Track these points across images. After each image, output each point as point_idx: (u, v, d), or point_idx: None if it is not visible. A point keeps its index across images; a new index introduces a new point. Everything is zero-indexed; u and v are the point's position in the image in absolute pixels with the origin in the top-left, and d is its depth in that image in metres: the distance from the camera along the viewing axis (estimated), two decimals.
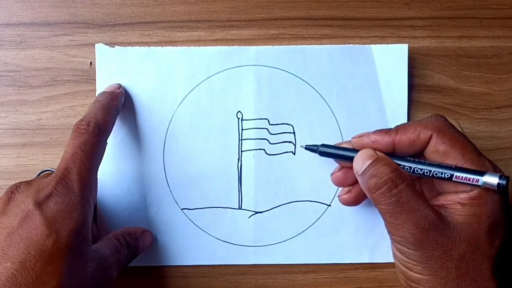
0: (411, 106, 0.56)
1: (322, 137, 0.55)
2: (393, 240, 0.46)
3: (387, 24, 0.56)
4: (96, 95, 0.53)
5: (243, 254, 0.55)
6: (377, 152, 0.47)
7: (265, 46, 0.55)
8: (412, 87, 0.56)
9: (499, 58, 0.57)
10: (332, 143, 0.52)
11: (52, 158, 0.55)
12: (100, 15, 0.56)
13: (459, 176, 0.44)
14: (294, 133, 0.55)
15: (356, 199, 0.52)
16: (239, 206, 0.55)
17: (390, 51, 0.55)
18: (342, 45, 0.55)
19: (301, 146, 0.54)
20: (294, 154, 0.55)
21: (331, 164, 0.54)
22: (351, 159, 0.48)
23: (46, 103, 0.55)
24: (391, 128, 0.48)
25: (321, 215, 0.55)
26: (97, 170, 0.48)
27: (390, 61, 0.55)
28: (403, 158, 0.47)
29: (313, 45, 0.55)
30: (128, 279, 0.55)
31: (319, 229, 0.55)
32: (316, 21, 0.56)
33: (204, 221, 0.55)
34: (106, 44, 0.55)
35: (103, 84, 0.54)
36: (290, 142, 0.55)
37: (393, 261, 0.48)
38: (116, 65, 0.55)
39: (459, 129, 0.55)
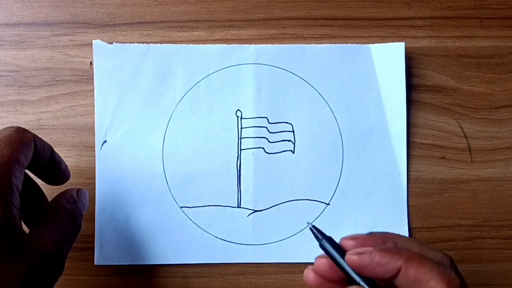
0: (411, 106, 0.56)
1: (321, 136, 0.55)
2: None
3: (387, 24, 0.57)
4: (96, 93, 0.54)
5: (242, 253, 0.55)
6: None
7: (264, 45, 0.55)
8: (412, 87, 0.56)
9: (499, 58, 0.57)
10: (331, 143, 0.52)
11: None
12: (100, 15, 0.56)
13: None
14: (293, 131, 0.55)
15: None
16: (238, 205, 0.55)
17: (387, 50, 0.55)
18: (341, 44, 0.55)
19: (307, 223, 0.43)
20: (293, 152, 0.55)
21: (331, 164, 0.54)
22: (349, 279, 0.40)
23: (46, 103, 0.55)
24: (399, 248, 0.39)
25: (320, 214, 0.55)
26: (26, 151, 0.42)
27: (388, 59, 0.55)
28: None
29: (312, 44, 0.55)
30: (128, 279, 0.55)
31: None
32: (316, 21, 0.56)
33: (203, 220, 0.55)
34: (104, 41, 0.55)
35: (101, 81, 0.54)
36: (289, 140, 0.55)
37: None
38: (114, 63, 0.55)
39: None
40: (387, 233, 0.42)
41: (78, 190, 0.47)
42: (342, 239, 0.41)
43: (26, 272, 0.39)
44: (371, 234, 0.41)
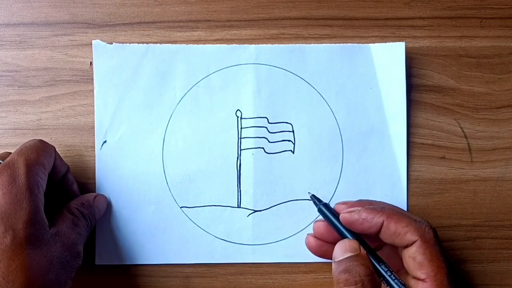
0: (411, 106, 0.56)
1: (321, 135, 0.55)
2: None
3: (387, 24, 0.56)
4: (96, 93, 0.54)
5: (242, 253, 0.55)
6: (361, 249, 0.47)
7: (264, 45, 0.55)
8: (412, 87, 0.56)
9: (499, 58, 0.57)
10: (331, 143, 0.52)
11: None
12: (100, 15, 0.56)
13: None
14: (293, 131, 0.55)
15: (318, 251, 0.52)
16: (238, 205, 0.55)
17: (387, 50, 0.55)
18: (340, 43, 0.55)
19: (308, 193, 0.54)
20: (293, 152, 0.55)
21: (331, 164, 0.54)
22: (341, 234, 0.49)
23: (46, 103, 0.55)
24: (383, 207, 0.48)
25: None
26: (45, 162, 0.47)
27: (388, 59, 0.55)
28: (384, 265, 0.46)
29: (312, 44, 0.55)
30: (128, 279, 0.55)
31: None
32: (316, 21, 0.56)
33: (203, 219, 0.55)
34: (104, 41, 0.55)
35: (101, 81, 0.55)
36: (289, 140, 0.55)
37: None
38: (114, 63, 0.55)
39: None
40: (373, 200, 0.51)
41: (96, 196, 0.53)
42: (336, 204, 0.51)
43: (54, 259, 0.44)
44: (359, 200, 0.51)
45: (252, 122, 0.55)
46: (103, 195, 0.54)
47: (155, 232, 0.54)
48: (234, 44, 0.55)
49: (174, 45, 0.55)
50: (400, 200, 0.55)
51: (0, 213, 0.42)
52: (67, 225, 0.47)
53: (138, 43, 0.55)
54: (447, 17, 0.57)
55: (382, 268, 0.46)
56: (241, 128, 0.55)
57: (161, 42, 0.55)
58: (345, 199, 0.53)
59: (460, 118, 0.56)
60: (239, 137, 0.55)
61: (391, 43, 0.55)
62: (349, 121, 0.55)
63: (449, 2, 0.57)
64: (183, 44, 0.55)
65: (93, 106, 0.55)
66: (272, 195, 0.55)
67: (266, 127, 0.55)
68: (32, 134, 0.55)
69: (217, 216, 0.54)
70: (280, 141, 0.55)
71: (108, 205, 0.54)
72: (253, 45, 0.55)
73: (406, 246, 0.46)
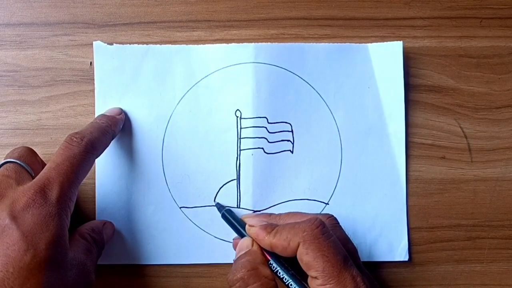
0: (411, 106, 0.56)
1: (320, 135, 0.55)
2: None
3: (387, 24, 0.56)
4: (96, 93, 0.54)
5: None
6: (254, 244, 0.47)
7: (263, 44, 0.55)
8: (412, 87, 0.56)
9: (499, 58, 0.57)
10: (330, 143, 0.52)
11: None
12: (100, 15, 0.56)
13: None
14: (292, 131, 0.55)
15: None
16: (237, 205, 0.55)
17: (385, 49, 0.55)
18: (339, 43, 0.55)
19: (214, 200, 0.55)
20: (292, 152, 0.55)
21: (330, 164, 0.54)
22: (241, 235, 0.50)
23: (46, 103, 0.55)
24: (277, 225, 0.48)
25: (319, 214, 0.55)
26: (79, 185, 0.46)
27: (386, 58, 0.55)
28: (278, 259, 0.47)
29: (311, 43, 0.55)
30: (128, 279, 0.55)
31: None
32: (316, 21, 0.56)
33: (202, 220, 0.55)
34: (104, 42, 0.55)
35: (101, 82, 0.55)
36: (288, 140, 0.55)
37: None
38: (114, 63, 0.55)
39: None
40: (280, 214, 0.51)
41: (105, 223, 0.53)
42: (243, 215, 0.52)
43: (68, 285, 0.43)
44: (264, 214, 0.53)
45: (251, 122, 0.55)
46: (110, 222, 0.54)
47: (154, 232, 0.54)
48: (233, 43, 0.55)
49: (173, 45, 0.55)
50: (399, 199, 0.55)
51: (26, 231, 0.41)
52: (81, 250, 0.47)
53: (138, 43, 0.55)
54: (447, 17, 0.57)
55: (271, 262, 0.46)
56: (241, 128, 0.55)
57: (161, 42, 0.56)
58: (344, 199, 0.53)
59: (460, 118, 0.56)
60: (239, 137, 0.55)
61: (389, 42, 0.55)
62: (348, 120, 0.55)
63: (449, 2, 0.57)
64: (182, 45, 0.55)
65: (93, 106, 0.55)
66: (272, 195, 0.55)
67: (265, 127, 0.55)
68: (32, 134, 0.55)
69: (217, 216, 0.54)
70: (279, 141, 0.55)
71: (109, 206, 0.54)
72: (252, 44, 0.55)
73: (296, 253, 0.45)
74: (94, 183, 0.54)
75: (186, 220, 0.55)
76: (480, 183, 0.56)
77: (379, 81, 0.55)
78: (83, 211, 0.55)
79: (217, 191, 0.55)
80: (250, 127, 0.55)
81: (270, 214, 0.51)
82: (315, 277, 0.43)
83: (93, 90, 0.55)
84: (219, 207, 0.53)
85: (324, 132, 0.55)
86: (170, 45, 0.55)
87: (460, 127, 0.56)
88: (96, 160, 0.51)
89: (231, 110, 0.55)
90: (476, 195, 0.56)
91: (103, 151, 0.50)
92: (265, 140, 0.55)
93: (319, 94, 0.55)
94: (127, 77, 0.55)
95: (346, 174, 0.55)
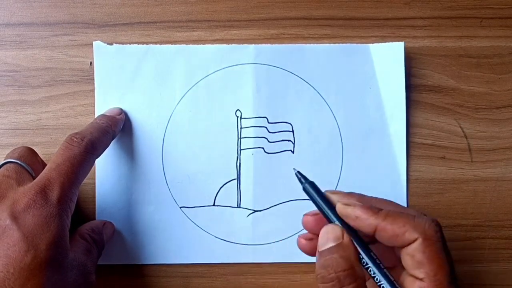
0: (411, 106, 0.56)
1: (321, 135, 0.55)
2: None
3: (387, 24, 0.56)
4: (96, 93, 0.54)
5: (242, 253, 0.55)
6: (345, 236, 0.42)
7: (263, 45, 0.55)
8: (412, 87, 0.56)
9: (499, 58, 0.57)
10: (331, 143, 0.52)
11: None
12: (100, 15, 0.56)
13: None
14: (293, 131, 0.55)
15: (313, 249, 0.46)
16: (237, 205, 0.55)
17: (387, 49, 0.55)
18: (340, 44, 0.55)
19: (294, 169, 0.47)
20: (292, 152, 0.55)
21: (330, 164, 0.54)
22: (327, 217, 0.44)
23: (46, 103, 0.55)
24: (381, 209, 0.43)
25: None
26: (79, 185, 0.47)
27: (387, 59, 0.55)
28: (370, 253, 0.42)
29: (312, 44, 0.55)
30: (128, 279, 0.55)
31: None
32: (316, 21, 0.56)
33: (203, 220, 0.55)
34: (104, 42, 0.55)
35: (101, 82, 0.55)
36: (288, 140, 0.55)
37: None
38: (114, 63, 0.55)
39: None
40: (365, 196, 0.46)
41: (105, 223, 0.53)
42: (326, 191, 0.46)
43: (69, 285, 0.43)
44: (350, 193, 0.45)
45: (251, 122, 0.55)
46: (110, 222, 0.54)
47: (154, 232, 0.54)
48: (233, 44, 0.55)
49: (173, 45, 0.55)
50: (400, 199, 0.55)
51: (26, 232, 0.41)
52: (81, 251, 0.47)
53: (138, 43, 0.55)
54: (447, 17, 0.57)
55: (367, 259, 0.42)
56: (241, 128, 0.55)
57: (161, 42, 0.55)
58: None
59: (460, 118, 0.56)
60: (239, 137, 0.55)
61: (390, 43, 0.55)
62: (349, 120, 0.55)
63: (449, 2, 0.57)
64: (182, 45, 0.55)
65: (93, 106, 0.55)
66: (272, 195, 0.55)
67: (266, 127, 0.55)
68: (32, 134, 0.55)
69: (217, 216, 0.54)
70: (279, 141, 0.55)
71: (109, 206, 0.54)
72: (253, 45, 0.55)
73: (406, 247, 0.42)
74: (94, 183, 0.54)
75: (186, 220, 0.54)
76: (480, 183, 0.56)
77: (381, 81, 0.55)
78: (83, 211, 0.55)
79: (217, 191, 0.55)
80: (250, 127, 0.55)
81: (360, 195, 0.46)
82: (421, 279, 0.40)
83: (93, 90, 0.55)
84: (300, 177, 0.47)
85: (325, 132, 0.55)
86: (170, 45, 0.55)
87: (460, 127, 0.56)
88: (96, 160, 0.51)
89: (231, 110, 0.55)
90: (476, 195, 0.56)
91: (103, 151, 0.50)
92: (266, 139, 0.55)
93: (320, 94, 0.55)
94: (127, 77, 0.55)
95: (347, 174, 0.55)
